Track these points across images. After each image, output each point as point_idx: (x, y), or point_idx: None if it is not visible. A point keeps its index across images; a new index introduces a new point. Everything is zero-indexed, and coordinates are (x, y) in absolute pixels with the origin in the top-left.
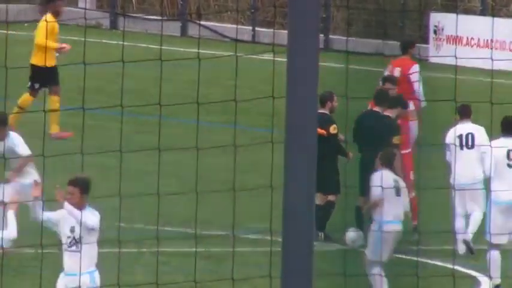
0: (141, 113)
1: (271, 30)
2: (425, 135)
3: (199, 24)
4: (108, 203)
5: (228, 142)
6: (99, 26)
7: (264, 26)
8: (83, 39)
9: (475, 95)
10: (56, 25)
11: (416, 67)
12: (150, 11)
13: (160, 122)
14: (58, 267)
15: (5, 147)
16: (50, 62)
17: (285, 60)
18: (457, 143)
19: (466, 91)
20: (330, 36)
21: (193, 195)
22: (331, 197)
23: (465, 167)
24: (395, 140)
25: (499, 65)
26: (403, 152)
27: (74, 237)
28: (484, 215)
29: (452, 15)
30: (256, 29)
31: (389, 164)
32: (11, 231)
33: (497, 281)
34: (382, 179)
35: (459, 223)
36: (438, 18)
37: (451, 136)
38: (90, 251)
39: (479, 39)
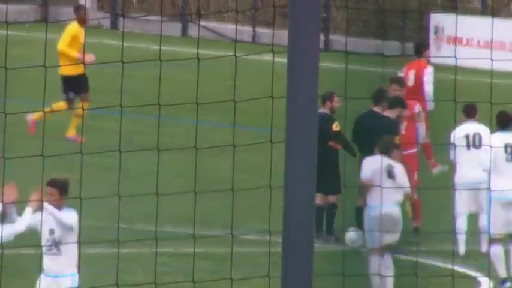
0: (141, 113)
1: (271, 30)
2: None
3: (199, 25)
4: (108, 203)
5: (228, 142)
6: (99, 26)
7: (264, 26)
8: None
9: (475, 95)
10: (82, 33)
11: (431, 70)
12: (151, 11)
13: (160, 122)
14: None
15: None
16: (78, 70)
17: (285, 60)
18: (464, 143)
19: (466, 91)
20: (330, 36)
21: (193, 195)
22: (331, 198)
23: (472, 167)
24: (395, 140)
25: (499, 65)
26: (409, 152)
27: (53, 239)
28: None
29: (452, 16)
30: (257, 29)
31: (386, 151)
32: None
33: (503, 274)
34: (373, 162)
35: (460, 223)
36: (438, 19)
37: (456, 135)
38: (70, 252)
39: (479, 40)
